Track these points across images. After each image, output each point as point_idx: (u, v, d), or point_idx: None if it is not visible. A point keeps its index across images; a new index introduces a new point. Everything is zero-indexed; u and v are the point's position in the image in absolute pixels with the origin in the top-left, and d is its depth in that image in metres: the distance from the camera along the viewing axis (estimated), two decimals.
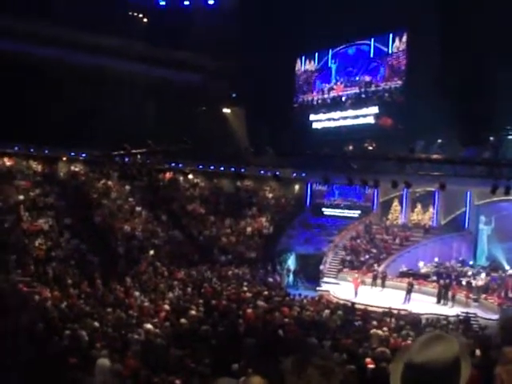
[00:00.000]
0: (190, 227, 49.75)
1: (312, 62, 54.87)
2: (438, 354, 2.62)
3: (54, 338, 20.29)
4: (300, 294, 35.58)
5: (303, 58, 55.47)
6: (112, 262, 40.10)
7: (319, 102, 53.96)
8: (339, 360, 17.31)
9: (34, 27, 45.00)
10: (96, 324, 22.45)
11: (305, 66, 55.52)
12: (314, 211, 53.61)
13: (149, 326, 22.70)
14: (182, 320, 24.24)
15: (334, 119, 51.71)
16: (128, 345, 20.34)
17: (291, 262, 46.01)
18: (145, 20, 50.42)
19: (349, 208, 52.28)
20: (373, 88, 49.19)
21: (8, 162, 50.03)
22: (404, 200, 49.58)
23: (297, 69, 55.96)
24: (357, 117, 49.55)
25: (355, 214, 51.69)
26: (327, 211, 53.22)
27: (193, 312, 26.11)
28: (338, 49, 52.35)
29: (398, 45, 47.12)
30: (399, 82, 47.09)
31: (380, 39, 48.55)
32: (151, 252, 43.35)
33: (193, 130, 41.06)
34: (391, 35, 47.44)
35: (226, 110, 55.80)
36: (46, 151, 49.93)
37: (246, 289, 34.60)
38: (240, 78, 51.17)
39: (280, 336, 22.87)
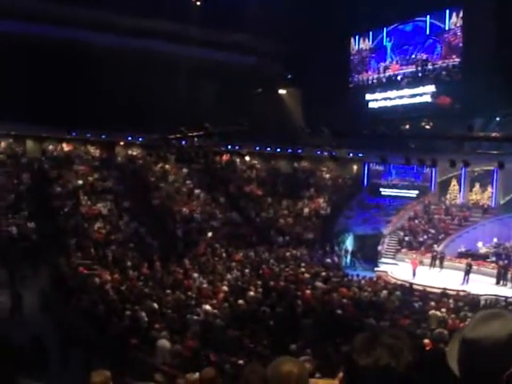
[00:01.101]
0: (247, 209, 49.81)
1: (366, 41, 54.04)
2: (493, 331, 2.60)
3: (115, 320, 20.55)
4: (358, 275, 35.38)
5: (357, 37, 54.78)
6: (170, 245, 40.39)
7: (374, 81, 53.24)
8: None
9: (90, 14, 45.26)
10: (155, 305, 22.72)
11: (359, 45, 54.76)
12: (371, 191, 53.18)
13: (207, 307, 22.90)
14: (241, 301, 24.37)
15: (390, 98, 50.92)
16: (187, 326, 20.54)
17: (349, 243, 45.80)
18: (198, 3, 50.35)
19: (406, 188, 51.72)
20: (429, 66, 48.29)
21: (66, 147, 50.74)
22: (462, 179, 48.82)
23: (351, 48, 55.39)
24: (413, 96, 48.69)
25: (413, 193, 51.14)
26: (385, 191, 52.75)
27: (251, 293, 26.24)
28: (393, 26, 51.49)
29: (454, 21, 45.91)
30: (457, 60, 46.12)
31: (436, 15, 47.53)
32: (209, 234, 43.52)
33: (249, 112, 41.07)
34: (448, 11, 46.46)
35: (282, 91, 55.62)
36: (104, 136, 50.47)
37: (303, 270, 34.52)
38: (295, 59, 50.94)
39: (338, 317, 22.86)
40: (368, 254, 44.19)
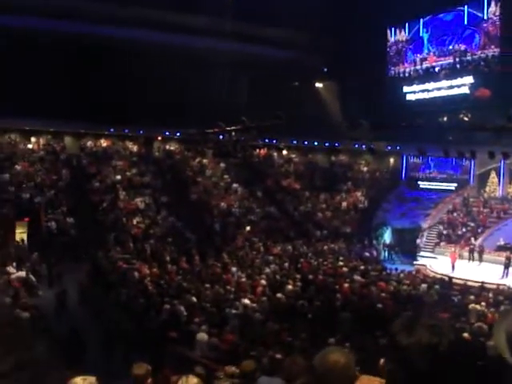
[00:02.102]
0: (285, 203, 49.81)
1: (403, 33, 53.46)
2: None
3: (153, 313, 20.66)
4: (396, 269, 35.24)
5: (393, 28, 54.24)
6: (209, 239, 40.52)
7: (412, 73, 52.80)
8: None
9: (127, 11, 45.54)
10: (194, 299, 22.76)
11: (395, 36, 54.27)
12: (409, 184, 52.88)
13: (246, 300, 22.92)
14: (279, 295, 24.37)
15: (428, 90, 50.43)
16: (226, 320, 20.58)
17: (387, 237, 45.62)
18: None
19: (445, 181, 51.34)
20: (468, 57, 47.66)
21: (104, 143, 51.16)
22: (501, 172, 48.35)
23: (387, 40, 54.90)
24: (451, 87, 48.20)
25: (451, 186, 50.75)
26: (423, 184, 52.42)
27: (289, 287, 26.23)
28: (430, 17, 50.86)
29: (493, 9, 44.99)
30: (496, 50, 45.41)
31: (474, 4, 46.76)
32: (247, 228, 43.63)
33: (286, 106, 40.98)
34: (486, 0, 45.82)
35: (319, 85, 55.49)
36: (141, 132, 50.81)
37: (342, 263, 34.45)
38: (331, 52, 50.79)
39: (376, 310, 22.78)
40: (406, 247, 43.96)
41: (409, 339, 2.79)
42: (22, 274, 27.69)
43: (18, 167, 43.99)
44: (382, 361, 2.98)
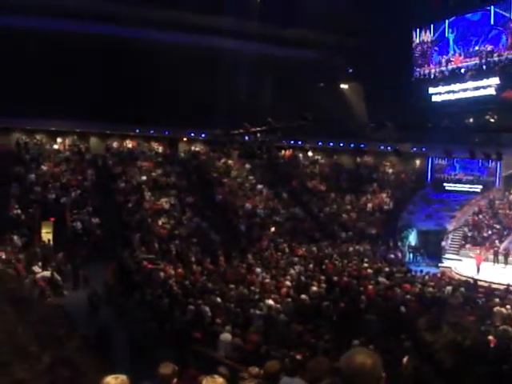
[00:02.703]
0: (310, 204, 49.76)
1: (428, 33, 53.07)
2: None
3: (178, 313, 20.72)
4: (421, 271, 35.03)
5: (418, 30, 53.86)
6: (233, 240, 40.56)
7: (437, 74, 52.43)
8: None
9: (152, 13, 45.73)
10: (218, 300, 22.82)
11: (420, 37, 53.93)
12: (434, 186, 52.59)
13: (270, 301, 22.93)
14: (304, 296, 24.35)
15: (453, 91, 50.10)
16: (250, 320, 20.60)
17: (412, 238, 45.39)
18: None
19: (471, 182, 50.97)
20: (494, 58, 47.21)
21: (130, 143, 51.40)
22: None
23: (413, 41, 54.56)
24: (477, 88, 47.86)
25: (477, 188, 50.35)
26: (448, 186, 52.09)
27: (314, 288, 26.21)
28: (456, 17, 50.50)
29: None
30: None
31: (501, 5, 46.38)
32: (272, 229, 43.62)
33: (311, 107, 40.89)
34: None
35: (344, 86, 55.41)
36: (167, 132, 51.01)
37: (367, 265, 34.34)
38: (357, 53, 50.61)
39: (401, 312, 22.71)
40: (432, 249, 43.68)
41: (433, 336, 2.80)
42: (47, 273, 27.86)
43: (44, 168, 44.38)
44: (405, 359, 2.98)
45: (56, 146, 48.77)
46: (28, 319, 0.56)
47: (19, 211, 38.04)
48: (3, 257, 29.43)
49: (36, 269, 28.48)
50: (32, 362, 0.50)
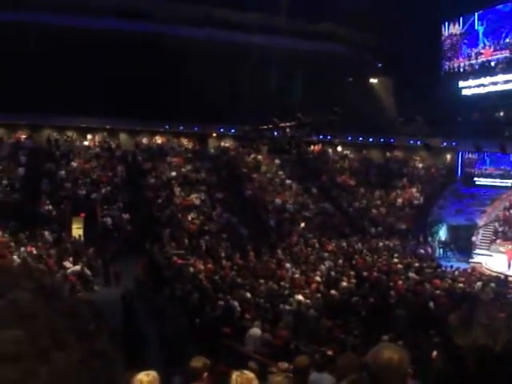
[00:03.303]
0: (340, 199, 49.63)
1: (457, 26, 52.63)
2: None
3: (208, 308, 20.78)
4: (451, 266, 34.82)
5: (446, 23, 53.47)
6: (263, 235, 40.55)
7: (467, 68, 52.02)
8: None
9: (180, 9, 45.90)
10: (248, 295, 22.85)
11: (449, 30, 53.48)
12: (465, 181, 52.09)
13: (300, 297, 22.92)
14: (333, 291, 24.33)
15: (483, 85, 49.68)
16: (279, 315, 20.62)
17: (442, 234, 45.11)
18: None
19: (501, 177, 50.37)
20: None
21: (159, 140, 51.60)
22: None
23: (442, 35, 54.13)
24: (508, 81, 47.47)
25: (508, 183, 49.76)
26: (479, 181, 51.55)
27: (344, 283, 26.18)
28: (486, 10, 49.98)
29: None
30: None
31: None
32: (302, 224, 43.56)
33: (340, 102, 40.79)
34: None
35: (373, 81, 55.15)
36: (196, 128, 51.11)
37: (396, 260, 34.22)
38: (386, 48, 50.38)
39: (430, 308, 22.62)
40: (462, 244, 43.40)
41: (465, 339, 2.78)
42: (78, 267, 28.07)
43: (74, 164, 44.73)
44: (434, 353, 2.97)
45: (86, 143, 49.14)
46: (59, 312, 0.57)
47: (50, 207, 38.43)
48: (34, 252, 29.73)
49: (67, 264, 28.68)
50: (70, 352, 0.52)
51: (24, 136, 47.58)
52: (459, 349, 2.76)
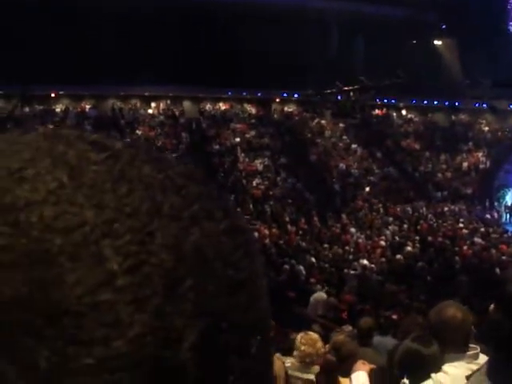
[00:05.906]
0: (404, 163, 49.19)
1: None
2: None
3: (273, 273, 20.93)
4: None
5: None
6: (328, 200, 40.49)
7: None
8: None
9: None
10: (313, 260, 22.95)
11: None
12: None
13: (365, 261, 22.96)
14: (398, 256, 24.29)
15: None
16: (344, 280, 20.69)
17: (509, 198, 44.51)
18: None
19: None
20: None
21: (223, 106, 51.72)
22: None
23: None
24: None
25: None
26: None
27: (408, 248, 26.10)
28: None
29: None
30: None
31: None
32: (367, 189, 43.33)
33: (404, 65, 40.36)
34: None
35: (438, 42, 54.27)
36: (259, 94, 51.02)
37: (462, 225, 33.89)
38: (450, 8, 49.48)
39: (496, 274, 22.44)
40: None
41: None
42: None
43: (139, 132, 45.16)
44: (491, 306, 2.97)
45: (150, 111, 49.55)
46: (204, 189, 0.59)
47: None
48: None
49: None
50: (217, 222, 0.53)
51: (88, 106, 48.17)
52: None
